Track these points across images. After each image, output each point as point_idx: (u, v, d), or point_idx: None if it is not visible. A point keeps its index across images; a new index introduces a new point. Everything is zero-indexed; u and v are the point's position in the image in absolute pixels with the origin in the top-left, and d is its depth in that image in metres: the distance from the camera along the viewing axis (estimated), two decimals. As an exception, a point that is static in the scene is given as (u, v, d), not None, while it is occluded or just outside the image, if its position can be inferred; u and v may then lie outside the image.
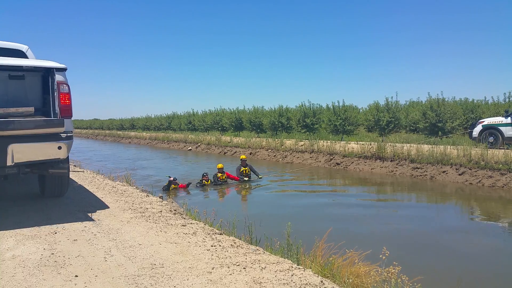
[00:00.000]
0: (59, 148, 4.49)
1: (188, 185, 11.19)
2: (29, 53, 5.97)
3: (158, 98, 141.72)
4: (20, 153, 4.28)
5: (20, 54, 5.84)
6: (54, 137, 4.50)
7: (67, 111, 4.74)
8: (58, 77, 4.69)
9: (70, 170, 9.22)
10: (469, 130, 13.40)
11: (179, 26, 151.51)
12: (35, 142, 4.36)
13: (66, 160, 4.90)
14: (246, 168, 12.27)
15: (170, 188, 10.76)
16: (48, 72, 4.85)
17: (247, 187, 11.74)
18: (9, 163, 4.25)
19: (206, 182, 11.46)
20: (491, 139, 12.10)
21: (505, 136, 11.77)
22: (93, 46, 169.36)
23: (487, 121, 12.56)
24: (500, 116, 12.74)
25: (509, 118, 11.73)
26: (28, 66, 4.68)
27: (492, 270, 5.20)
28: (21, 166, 4.57)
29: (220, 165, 12.06)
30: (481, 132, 12.45)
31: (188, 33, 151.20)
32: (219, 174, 11.77)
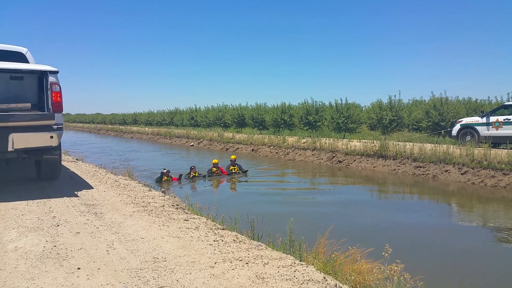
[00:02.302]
0: (51, 137, 5.26)
1: (180, 177, 11.76)
2: (28, 55, 6.68)
3: (161, 94, 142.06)
4: (19, 141, 5.06)
5: (20, 56, 6.57)
6: (47, 128, 5.26)
7: (58, 107, 5.45)
8: (51, 79, 5.41)
9: (69, 161, 9.47)
10: (449, 129, 13.77)
11: (183, 22, 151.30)
12: (31, 132, 5.14)
13: (58, 147, 5.68)
14: (235, 167, 13.16)
15: (162, 180, 11.25)
16: (43, 74, 5.60)
17: (246, 185, 11.82)
18: (10, 149, 5.06)
19: (194, 174, 12.01)
20: (468, 138, 12.51)
21: (481, 135, 12.18)
22: (97, 41, 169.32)
23: (465, 120, 13.05)
24: (476, 116, 13.16)
25: (485, 118, 12.15)
26: (26, 69, 5.57)
27: (495, 268, 5.19)
28: (19, 152, 5.36)
29: (215, 160, 12.93)
30: (459, 131, 12.88)
31: (191, 29, 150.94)
32: (214, 169, 12.54)
